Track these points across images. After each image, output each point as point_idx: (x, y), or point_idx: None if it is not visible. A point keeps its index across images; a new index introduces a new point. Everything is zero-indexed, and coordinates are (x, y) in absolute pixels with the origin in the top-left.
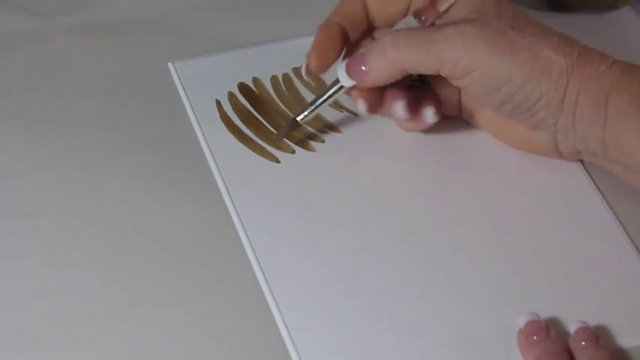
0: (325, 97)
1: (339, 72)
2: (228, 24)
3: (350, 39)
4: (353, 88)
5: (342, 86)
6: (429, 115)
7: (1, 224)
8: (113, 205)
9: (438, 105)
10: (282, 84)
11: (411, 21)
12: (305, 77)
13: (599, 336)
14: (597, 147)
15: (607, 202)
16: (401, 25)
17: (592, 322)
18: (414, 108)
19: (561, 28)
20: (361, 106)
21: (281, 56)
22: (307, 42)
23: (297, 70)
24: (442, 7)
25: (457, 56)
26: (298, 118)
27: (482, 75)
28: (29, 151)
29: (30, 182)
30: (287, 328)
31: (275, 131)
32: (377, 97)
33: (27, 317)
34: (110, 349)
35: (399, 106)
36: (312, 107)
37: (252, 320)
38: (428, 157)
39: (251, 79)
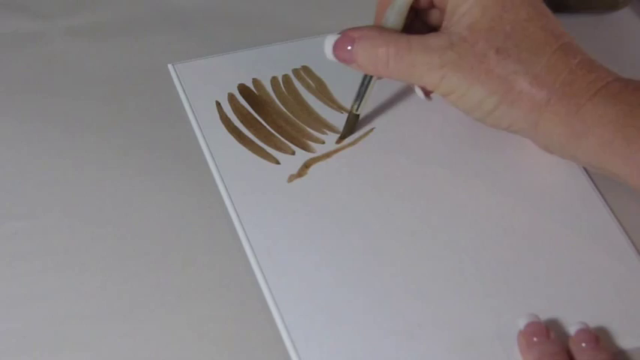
0: (369, 80)
1: (327, 46)
2: (228, 25)
3: None
4: None
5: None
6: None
7: (0, 226)
8: (113, 206)
9: None
10: (282, 85)
11: None
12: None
13: (599, 337)
14: (583, 164)
15: (607, 202)
16: None
17: (592, 323)
18: None
19: None
20: (420, 94)
21: (281, 58)
22: (307, 43)
23: (297, 72)
24: None
25: (435, 84)
26: (357, 112)
27: (457, 98)
28: (29, 152)
29: (30, 183)
30: (287, 329)
31: (276, 133)
32: None
33: (27, 319)
34: (110, 351)
35: (418, 91)
36: (363, 95)
37: (252, 321)
38: (428, 159)
39: (251, 80)
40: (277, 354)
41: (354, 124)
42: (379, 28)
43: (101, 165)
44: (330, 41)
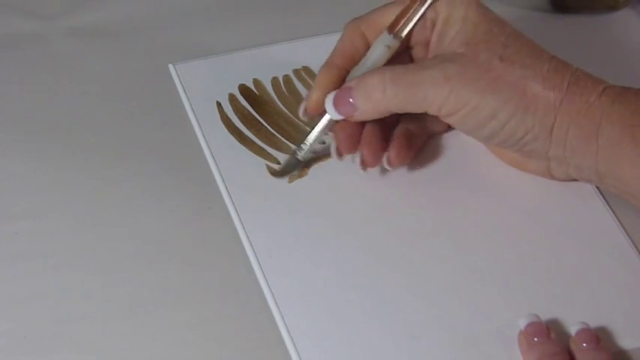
0: (318, 131)
1: (327, 104)
2: (228, 25)
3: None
4: (335, 124)
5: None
6: (385, 163)
7: (1, 226)
8: (113, 207)
9: (418, 137)
10: (282, 85)
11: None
12: (302, 117)
13: (600, 337)
14: (592, 175)
15: (608, 203)
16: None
17: (593, 323)
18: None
19: (562, 29)
20: (332, 150)
21: (282, 58)
22: (308, 43)
23: (297, 72)
24: (404, 32)
25: (443, 99)
26: (300, 157)
27: (467, 113)
28: (29, 153)
29: (30, 184)
30: (288, 329)
31: (276, 133)
32: (355, 136)
33: (27, 319)
34: (111, 352)
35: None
36: (309, 144)
37: (253, 322)
38: (429, 159)
39: (251, 80)
40: (278, 354)
41: (295, 168)
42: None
43: (102, 165)
44: (329, 101)
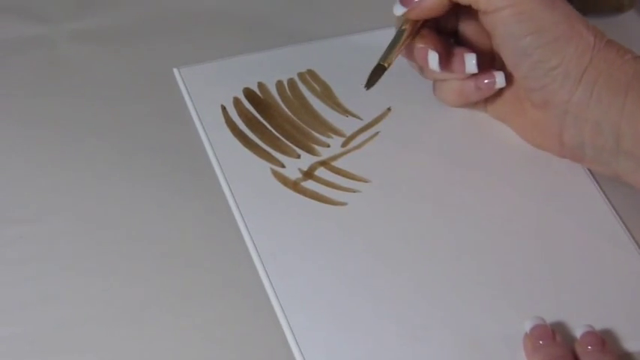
0: (397, 35)
1: (395, 4)
2: (233, 29)
3: None
4: (423, 44)
5: (405, 25)
6: (500, 79)
7: (4, 230)
8: (118, 210)
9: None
10: (287, 89)
11: None
12: (398, 14)
13: (605, 340)
14: (610, 135)
15: (612, 205)
16: None
17: (598, 326)
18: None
19: None
20: (432, 59)
21: (286, 61)
22: (313, 47)
23: (302, 75)
24: None
25: None
26: (384, 63)
27: (516, 14)
28: (33, 156)
29: (34, 187)
30: (292, 332)
31: (281, 137)
32: (446, 53)
33: (32, 323)
34: (115, 354)
35: (470, 59)
36: (390, 48)
37: (258, 324)
38: (432, 162)
39: (256, 84)
40: (282, 356)
41: (379, 75)
42: None
43: (107, 169)
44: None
